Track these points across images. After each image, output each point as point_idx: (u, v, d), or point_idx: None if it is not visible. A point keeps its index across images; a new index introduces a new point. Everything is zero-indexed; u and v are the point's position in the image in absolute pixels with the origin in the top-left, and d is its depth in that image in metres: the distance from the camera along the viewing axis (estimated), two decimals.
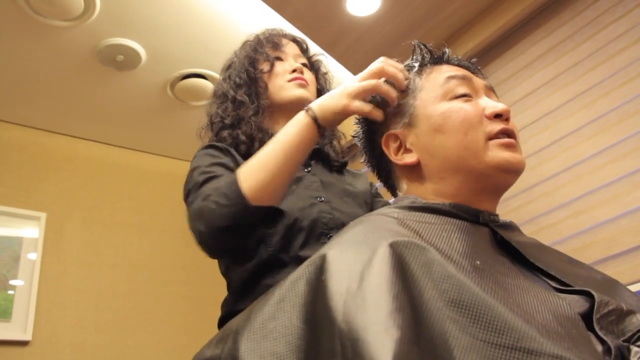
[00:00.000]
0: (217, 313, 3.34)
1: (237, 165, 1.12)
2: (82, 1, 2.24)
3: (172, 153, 3.51)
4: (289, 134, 1.00)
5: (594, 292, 0.65)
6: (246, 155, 1.11)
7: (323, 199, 1.14)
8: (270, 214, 1.00)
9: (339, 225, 1.10)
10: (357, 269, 0.58)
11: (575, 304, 0.63)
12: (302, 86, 1.26)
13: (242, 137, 1.21)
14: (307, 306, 0.60)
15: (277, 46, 1.33)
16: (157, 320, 2.94)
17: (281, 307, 0.62)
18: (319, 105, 1.00)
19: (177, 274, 3.17)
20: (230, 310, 1.08)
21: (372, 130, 0.96)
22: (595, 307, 0.63)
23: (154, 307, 2.97)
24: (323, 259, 0.64)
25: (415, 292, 0.55)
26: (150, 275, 3.05)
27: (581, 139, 2.12)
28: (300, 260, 0.87)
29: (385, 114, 0.92)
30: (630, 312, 0.65)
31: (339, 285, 0.58)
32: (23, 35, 2.38)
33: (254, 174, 0.99)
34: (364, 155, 1.01)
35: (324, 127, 1.01)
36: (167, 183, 3.44)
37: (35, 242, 2.72)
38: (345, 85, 0.98)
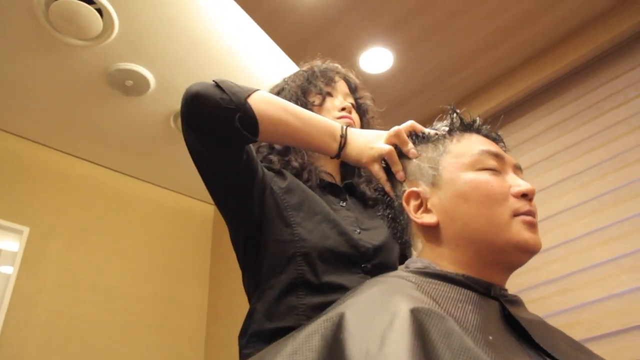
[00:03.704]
0: (190, 350, 3.28)
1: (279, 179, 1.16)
2: (101, 23, 2.27)
3: (167, 184, 3.50)
4: (317, 127, 1.03)
5: None
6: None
7: (359, 231, 1.14)
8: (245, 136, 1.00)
9: (373, 257, 1.09)
10: (378, 332, 0.58)
11: None
12: (349, 125, 1.25)
13: (295, 164, 1.22)
14: None
15: (330, 82, 1.34)
16: (127, 352, 2.86)
17: (293, 359, 0.61)
18: (352, 143, 1.03)
19: (153, 306, 3.10)
20: (260, 329, 1.04)
21: (393, 182, 0.97)
22: None
23: (126, 337, 2.89)
24: (341, 316, 0.63)
25: None
26: (126, 305, 2.98)
27: (574, 218, 2.16)
28: (330, 287, 0.86)
29: (409, 170, 0.94)
30: None
31: (358, 346, 0.57)
32: (37, 48, 2.39)
33: (272, 103, 1.02)
34: (381, 207, 1.01)
35: (339, 157, 1.04)
36: (158, 213, 3.43)
37: (14, 255, 2.65)
38: (377, 138, 1.00)
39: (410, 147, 0.94)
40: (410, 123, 0.99)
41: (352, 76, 1.42)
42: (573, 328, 1.97)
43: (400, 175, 0.94)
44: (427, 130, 0.96)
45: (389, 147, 0.96)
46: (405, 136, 0.96)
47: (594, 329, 1.93)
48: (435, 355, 0.56)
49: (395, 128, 0.98)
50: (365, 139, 1.03)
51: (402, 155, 0.96)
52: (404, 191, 0.91)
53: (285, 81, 1.37)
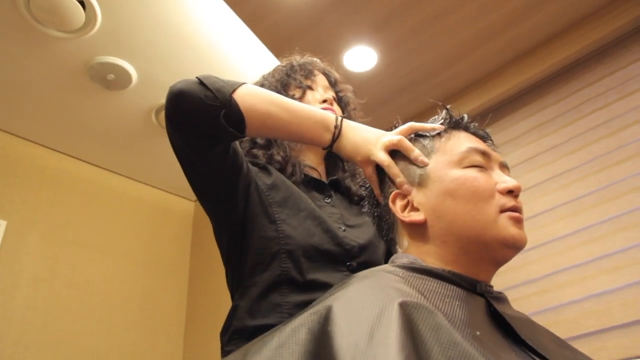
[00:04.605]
0: (168, 347, 3.25)
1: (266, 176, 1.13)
2: (83, 15, 2.23)
3: (146, 179, 3.46)
4: (307, 118, 1.00)
5: None
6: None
7: (344, 229, 1.12)
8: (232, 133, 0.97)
9: (358, 255, 1.08)
10: (366, 325, 0.57)
11: None
12: None
13: (278, 157, 1.20)
14: (306, 355, 0.59)
15: (309, 75, 1.33)
16: (105, 348, 2.82)
17: (279, 352, 0.60)
18: (348, 136, 1.00)
19: (132, 303, 3.07)
20: (242, 326, 1.02)
21: (382, 181, 0.96)
22: None
23: (103, 333, 2.86)
24: (329, 309, 0.63)
25: (423, 356, 0.55)
26: (104, 301, 2.94)
27: (554, 219, 2.18)
28: (314, 285, 0.83)
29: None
30: None
31: (346, 339, 0.57)
32: (17, 40, 2.34)
33: (259, 97, 0.99)
34: (368, 205, 1.01)
35: (331, 149, 1.01)
36: (136, 208, 3.38)
37: None
38: (377, 139, 0.97)
39: (417, 154, 0.90)
40: (408, 126, 0.97)
41: (331, 70, 1.41)
42: (552, 328, 1.96)
43: (400, 180, 0.91)
44: (428, 126, 0.94)
45: (388, 160, 0.93)
46: (408, 143, 0.92)
47: (573, 329, 1.96)
48: (424, 349, 0.56)
49: (397, 136, 0.94)
50: (364, 135, 1.00)
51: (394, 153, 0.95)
52: (391, 192, 0.91)
53: (264, 77, 1.36)
